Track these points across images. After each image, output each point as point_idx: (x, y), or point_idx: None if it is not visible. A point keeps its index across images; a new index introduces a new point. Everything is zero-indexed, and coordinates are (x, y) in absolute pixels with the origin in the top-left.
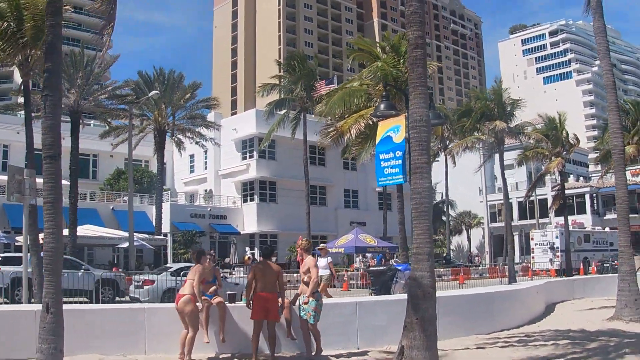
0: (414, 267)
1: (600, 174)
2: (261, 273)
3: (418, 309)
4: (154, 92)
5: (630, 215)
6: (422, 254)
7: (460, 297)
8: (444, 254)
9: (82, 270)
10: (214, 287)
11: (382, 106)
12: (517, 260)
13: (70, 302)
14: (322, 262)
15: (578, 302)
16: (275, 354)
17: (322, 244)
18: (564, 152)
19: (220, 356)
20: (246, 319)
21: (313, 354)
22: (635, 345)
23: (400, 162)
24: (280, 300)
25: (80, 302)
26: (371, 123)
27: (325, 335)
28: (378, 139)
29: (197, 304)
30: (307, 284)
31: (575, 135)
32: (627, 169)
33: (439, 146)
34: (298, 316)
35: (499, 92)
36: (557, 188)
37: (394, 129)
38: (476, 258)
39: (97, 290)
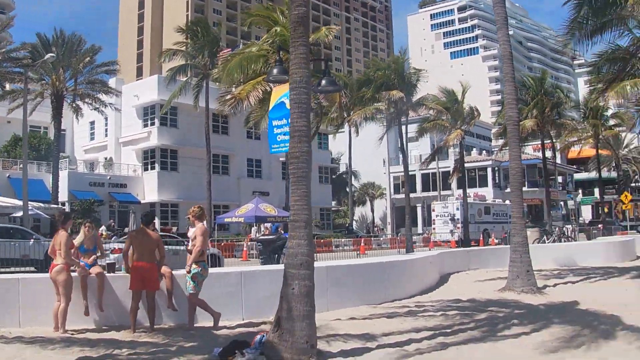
0: (290, 235)
1: (500, 147)
2: (138, 242)
3: (295, 278)
4: (49, 55)
5: (532, 189)
6: (299, 222)
7: (352, 267)
8: (347, 224)
9: (33, 240)
10: (94, 256)
11: (275, 71)
12: (419, 231)
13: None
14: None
15: (473, 273)
16: (156, 326)
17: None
18: (464, 125)
19: (101, 328)
20: (126, 289)
21: (211, 325)
22: (524, 317)
23: None
24: (161, 269)
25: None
26: (269, 89)
27: (211, 306)
28: (271, 105)
29: (73, 273)
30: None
31: (475, 107)
32: (528, 144)
33: (344, 116)
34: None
35: (400, 62)
36: (457, 160)
37: (287, 94)
38: (375, 229)
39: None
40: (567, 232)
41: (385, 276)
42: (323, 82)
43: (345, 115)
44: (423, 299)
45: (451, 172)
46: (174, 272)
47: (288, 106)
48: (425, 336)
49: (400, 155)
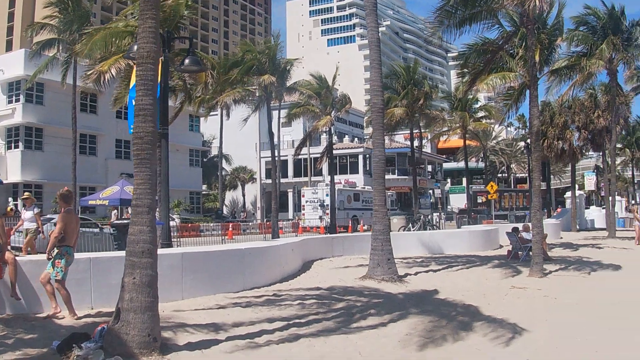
0: (132, 221)
1: (370, 135)
2: None
3: (136, 267)
4: None
5: (402, 177)
6: (141, 206)
7: (209, 254)
8: (217, 209)
9: None
10: None
11: (135, 47)
12: (290, 216)
13: None
14: (28, 214)
15: (336, 260)
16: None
17: (26, 193)
18: (335, 111)
19: None
20: None
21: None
22: (382, 306)
23: None
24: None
25: None
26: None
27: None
28: (132, 84)
29: None
30: None
31: (347, 95)
32: (399, 132)
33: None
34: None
35: (272, 47)
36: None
37: None
38: (242, 214)
39: None
40: (433, 220)
41: (245, 263)
42: (186, 61)
43: (212, 97)
44: (283, 287)
45: (319, 158)
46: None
47: None
48: (279, 327)
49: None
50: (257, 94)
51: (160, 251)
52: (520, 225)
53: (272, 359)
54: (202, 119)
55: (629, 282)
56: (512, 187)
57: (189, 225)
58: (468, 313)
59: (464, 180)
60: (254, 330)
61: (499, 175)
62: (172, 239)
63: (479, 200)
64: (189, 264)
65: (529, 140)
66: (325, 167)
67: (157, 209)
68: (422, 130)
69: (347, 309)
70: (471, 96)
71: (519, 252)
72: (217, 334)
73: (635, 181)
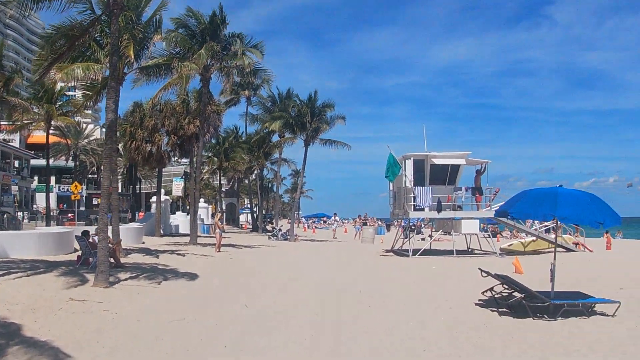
0: None
1: None
2: None
3: None
4: None
5: None
6: None
7: None
8: None
9: None
10: None
11: None
12: None
13: None
14: None
15: None
16: None
17: None
18: None
19: None
20: None
21: None
22: None
23: None
24: None
25: None
26: None
27: None
28: None
29: None
30: None
31: None
32: None
33: None
34: None
35: None
36: None
37: None
38: None
39: None
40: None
41: None
42: None
43: None
44: None
45: None
46: None
47: None
48: None
49: None
50: None
51: None
52: (93, 228)
53: None
54: None
55: (199, 294)
56: None
57: None
58: (6, 334)
59: (53, 178)
60: None
61: (90, 175)
62: None
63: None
64: None
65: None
66: None
67: None
68: (8, 123)
69: None
70: (59, 88)
71: (90, 258)
72: None
73: (223, 190)
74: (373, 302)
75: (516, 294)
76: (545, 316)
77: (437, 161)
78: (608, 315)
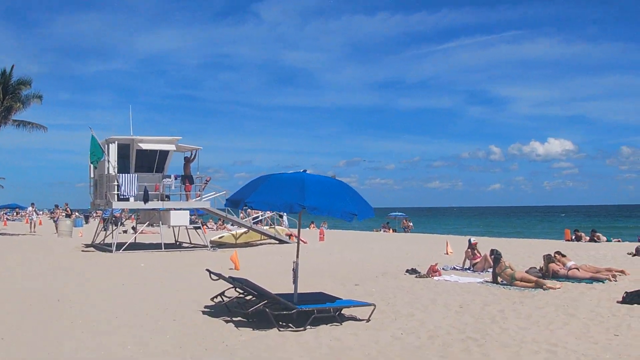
0: None
1: None
2: None
3: None
4: None
5: None
6: None
7: None
8: None
9: None
10: None
11: None
12: None
13: None
14: None
15: None
16: None
17: None
18: None
19: None
20: None
21: None
22: None
23: None
24: None
25: None
26: None
27: None
28: None
29: None
30: None
31: None
32: None
33: None
34: None
35: None
36: None
37: None
38: None
39: None
40: None
41: None
42: None
43: None
44: None
45: None
46: None
47: None
48: None
49: None
50: None
51: None
52: None
53: None
54: None
55: None
56: None
57: None
58: None
59: None
60: None
61: None
62: None
63: None
64: None
65: None
66: None
67: None
68: None
69: None
70: None
71: None
72: None
73: None
74: (75, 314)
75: (255, 298)
76: (291, 325)
77: (144, 146)
78: (362, 320)
